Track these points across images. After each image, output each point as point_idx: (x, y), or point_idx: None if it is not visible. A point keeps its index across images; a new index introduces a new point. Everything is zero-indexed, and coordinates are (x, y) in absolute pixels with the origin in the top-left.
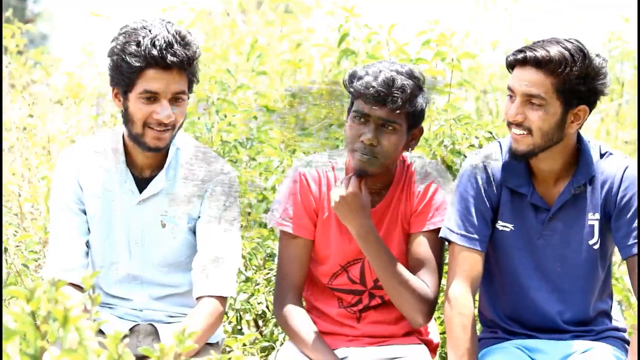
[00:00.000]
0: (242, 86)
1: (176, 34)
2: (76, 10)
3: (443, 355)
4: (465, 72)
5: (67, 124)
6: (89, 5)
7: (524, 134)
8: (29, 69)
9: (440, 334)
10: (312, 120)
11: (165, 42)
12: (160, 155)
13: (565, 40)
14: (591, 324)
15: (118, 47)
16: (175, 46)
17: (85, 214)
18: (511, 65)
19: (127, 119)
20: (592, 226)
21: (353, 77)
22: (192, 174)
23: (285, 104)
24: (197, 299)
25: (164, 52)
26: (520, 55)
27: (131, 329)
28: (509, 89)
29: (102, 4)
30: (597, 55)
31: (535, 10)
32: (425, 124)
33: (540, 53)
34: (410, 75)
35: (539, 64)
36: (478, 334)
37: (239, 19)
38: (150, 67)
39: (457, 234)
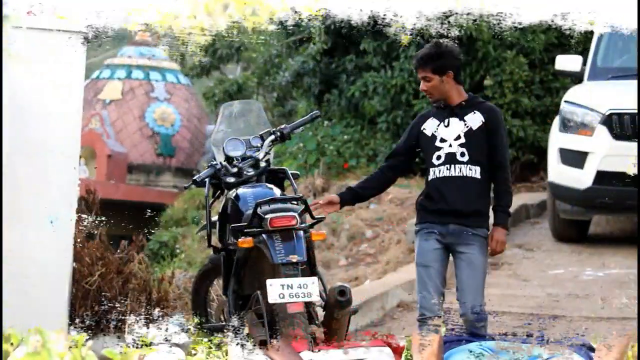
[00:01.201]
0: None
1: None
2: (44, 13)
3: (409, 357)
4: None
5: None
6: (55, 7)
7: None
8: None
9: (406, 336)
10: None
11: None
12: None
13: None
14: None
15: None
16: None
17: None
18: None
19: None
20: None
21: None
22: None
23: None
24: None
25: None
26: None
27: None
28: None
29: (67, 7)
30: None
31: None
32: None
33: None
34: None
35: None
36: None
37: (205, 22)
38: None
39: None
